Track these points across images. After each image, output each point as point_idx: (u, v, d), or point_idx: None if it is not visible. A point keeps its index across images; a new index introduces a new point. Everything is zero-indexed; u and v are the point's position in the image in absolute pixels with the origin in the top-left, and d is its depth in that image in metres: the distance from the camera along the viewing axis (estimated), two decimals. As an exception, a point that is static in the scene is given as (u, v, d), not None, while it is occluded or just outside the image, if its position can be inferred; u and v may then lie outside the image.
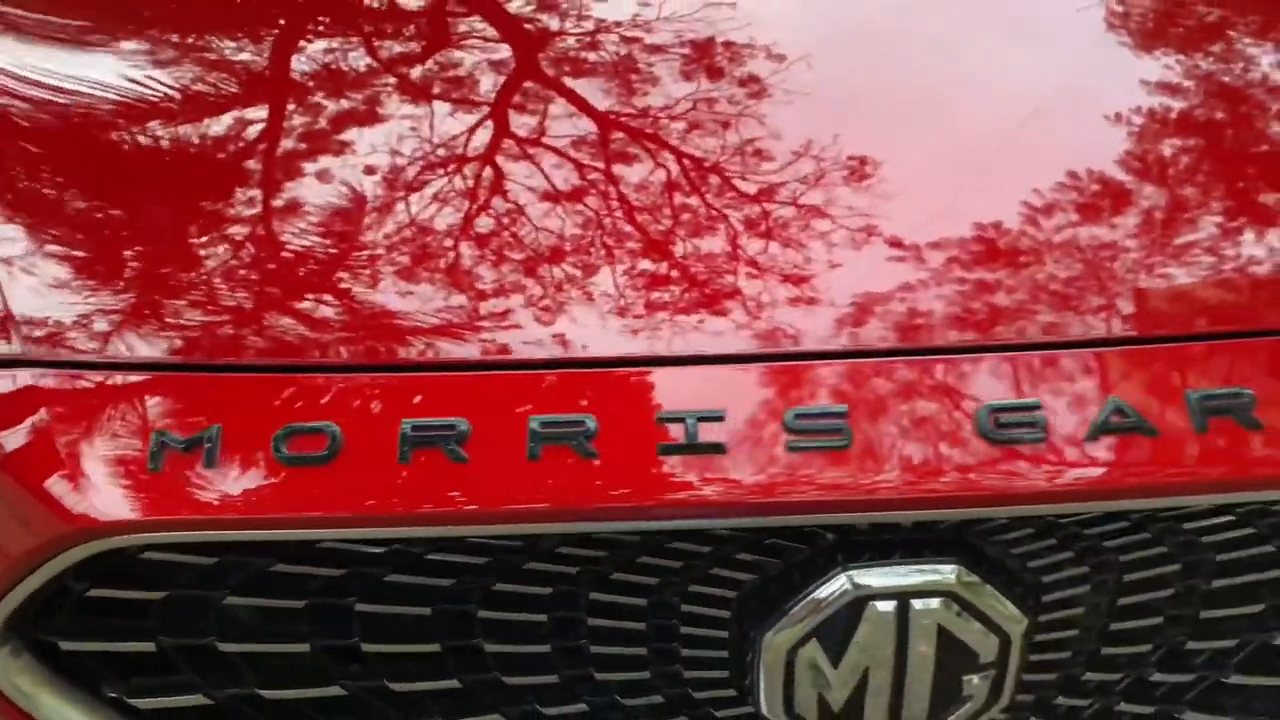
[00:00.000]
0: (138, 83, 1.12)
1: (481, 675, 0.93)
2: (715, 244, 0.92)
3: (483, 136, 1.03)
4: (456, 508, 0.79)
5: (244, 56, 1.18)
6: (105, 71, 1.14)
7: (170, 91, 1.11)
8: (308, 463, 0.80)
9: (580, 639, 0.92)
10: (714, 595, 0.90)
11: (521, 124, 1.05)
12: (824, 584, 0.86)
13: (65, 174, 1.03)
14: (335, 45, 1.19)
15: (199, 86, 1.12)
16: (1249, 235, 0.96)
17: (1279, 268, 0.93)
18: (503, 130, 1.04)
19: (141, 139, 1.05)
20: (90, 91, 1.11)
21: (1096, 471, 0.81)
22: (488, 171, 0.99)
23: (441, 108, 1.09)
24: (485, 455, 0.80)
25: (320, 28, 1.25)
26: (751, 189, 0.97)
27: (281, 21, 1.27)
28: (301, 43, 1.20)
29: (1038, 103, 1.10)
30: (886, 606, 0.86)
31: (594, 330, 0.86)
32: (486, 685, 0.93)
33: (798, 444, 0.81)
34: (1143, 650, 0.96)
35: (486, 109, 1.09)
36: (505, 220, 0.94)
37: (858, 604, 0.86)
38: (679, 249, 0.92)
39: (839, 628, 0.86)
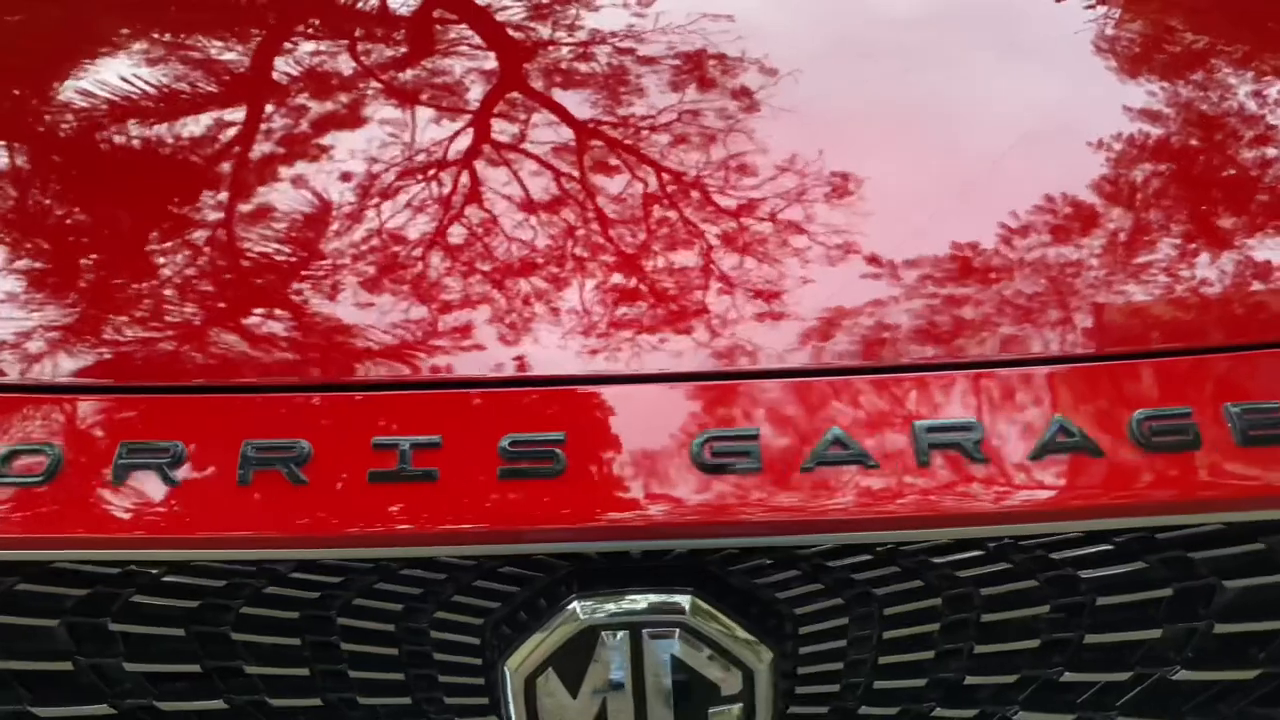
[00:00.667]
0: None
1: (249, 696, 0.94)
2: (450, 269, 0.92)
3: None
4: (166, 532, 0.80)
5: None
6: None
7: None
8: (27, 483, 0.81)
9: (339, 663, 0.92)
10: (462, 622, 0.90)
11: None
12: (556, 613, 0.85)
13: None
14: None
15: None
16: (995, 268, 0.93)
17: (1028, 299, 0.91)
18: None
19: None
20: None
21: (813, 502, 0.80)
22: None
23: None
24: (197, 479, 0.81)
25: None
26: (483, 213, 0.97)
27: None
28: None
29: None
30: (618, 637, 0.85)
31: (313, 352, 0.86)
32: (254, 706, 0.94)
33: (511, 471, 0.81)
34: (918, 685, 0.93)
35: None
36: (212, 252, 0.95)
37: (590, 634, 0.85)
38: (410, 276, 0.92)
39: (577, 657, 0.85)
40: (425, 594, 0.88)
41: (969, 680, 0.94)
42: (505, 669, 0.87)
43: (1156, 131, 1.07)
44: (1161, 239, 0.98)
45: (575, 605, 0.85)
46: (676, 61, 1.19)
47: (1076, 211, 0.97)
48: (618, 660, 0.85)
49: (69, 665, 0.91)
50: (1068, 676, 0.93)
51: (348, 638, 0.91)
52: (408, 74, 1.21)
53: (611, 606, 0.84)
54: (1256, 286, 0.92)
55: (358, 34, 1.29)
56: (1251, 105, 1.10)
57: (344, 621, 0.90)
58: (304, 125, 1.13)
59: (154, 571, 0.86)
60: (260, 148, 1.11)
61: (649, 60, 1.20)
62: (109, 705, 0.93)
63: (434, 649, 0.91)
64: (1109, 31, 1.32)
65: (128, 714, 0.93)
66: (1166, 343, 0.87)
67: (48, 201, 1.01)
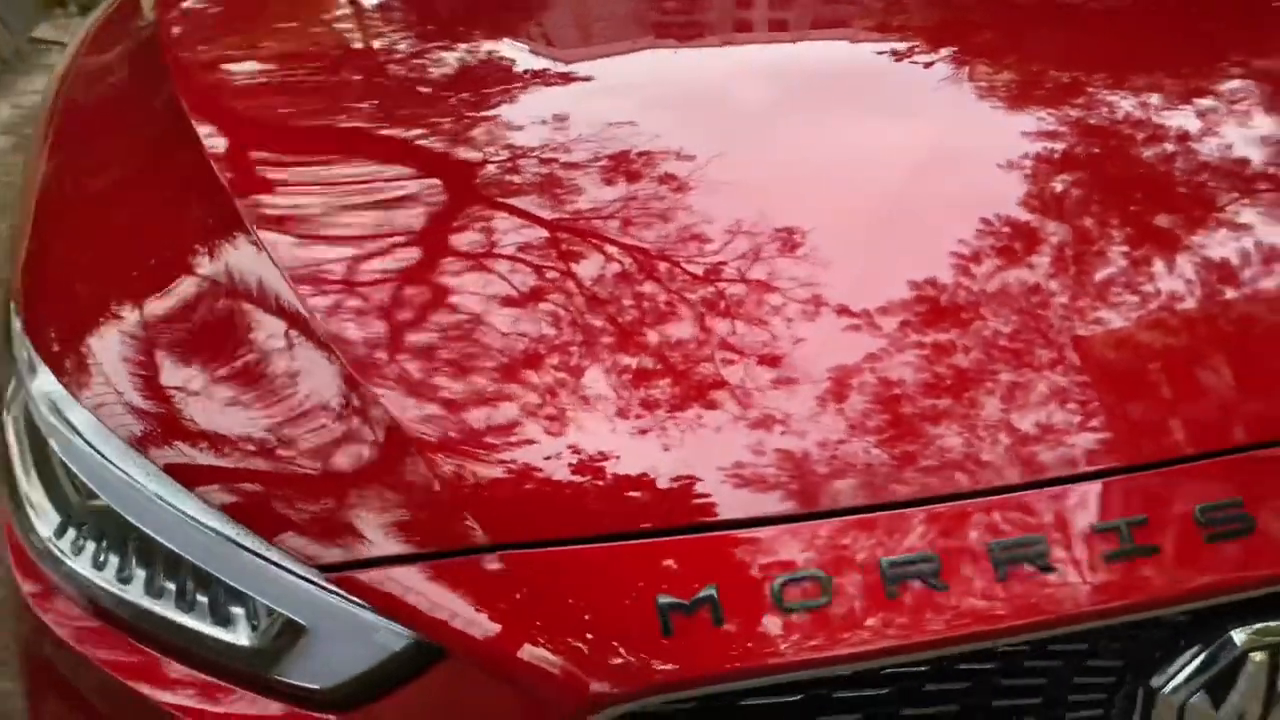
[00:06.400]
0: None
1: None
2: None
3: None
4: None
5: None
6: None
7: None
8: (806, 608, 0.88)
9: None
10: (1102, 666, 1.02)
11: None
12: (1216, 645, 0.98)
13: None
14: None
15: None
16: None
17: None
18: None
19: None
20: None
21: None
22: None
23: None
24: (960, 584, 0.90)
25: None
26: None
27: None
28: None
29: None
30: (1260, 657, 0.99)
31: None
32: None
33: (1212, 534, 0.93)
34: None
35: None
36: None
37: (1240, 658, 0.99)
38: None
39: (1222, 679, 1.00)
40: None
41: None
42: (1160, 696, 0.99)
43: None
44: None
45: (1232, 635, 0.98)
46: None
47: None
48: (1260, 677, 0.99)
49: None
50: None
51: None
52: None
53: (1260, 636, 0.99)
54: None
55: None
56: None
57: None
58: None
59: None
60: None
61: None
62: None
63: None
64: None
65: None
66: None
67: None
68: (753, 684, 0.89)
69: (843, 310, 1.08)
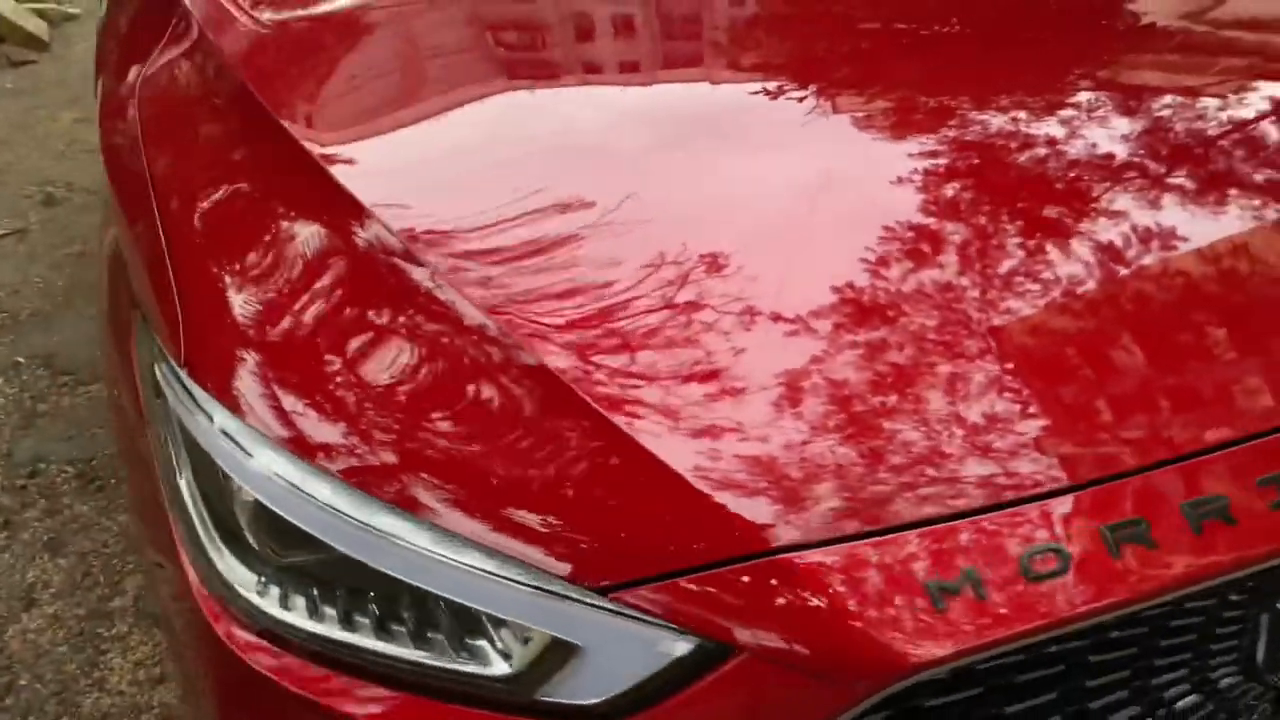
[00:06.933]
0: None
1: None
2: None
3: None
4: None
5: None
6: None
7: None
8: (1051, 576, 1.01)
9: None
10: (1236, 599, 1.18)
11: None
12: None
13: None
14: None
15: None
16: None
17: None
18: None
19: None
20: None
21: None
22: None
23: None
24: (1167, 541, 1.05)
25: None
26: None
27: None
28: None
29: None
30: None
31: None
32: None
33: None
34: None
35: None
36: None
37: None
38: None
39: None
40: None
41: None
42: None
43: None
44: None
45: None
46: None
47: None
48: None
49: None
50: None
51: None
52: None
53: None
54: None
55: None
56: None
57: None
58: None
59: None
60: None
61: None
62: None
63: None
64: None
65: None
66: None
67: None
68: (1013, 645, 1.01)
69: (1069, 310, 1.22)
